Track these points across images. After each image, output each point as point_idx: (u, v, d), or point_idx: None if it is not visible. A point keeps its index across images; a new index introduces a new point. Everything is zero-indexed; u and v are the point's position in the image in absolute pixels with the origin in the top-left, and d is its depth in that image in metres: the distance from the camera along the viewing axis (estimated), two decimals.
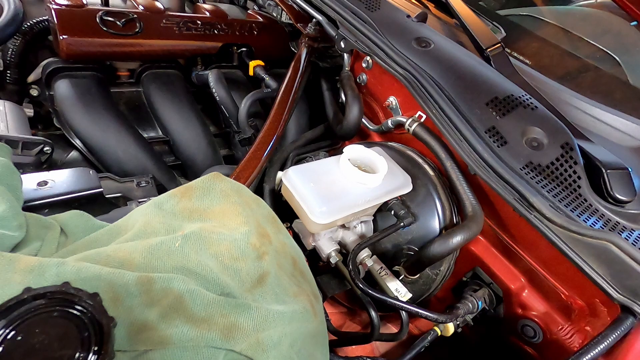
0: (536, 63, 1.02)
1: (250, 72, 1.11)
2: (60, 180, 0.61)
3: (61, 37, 0.86)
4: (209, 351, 0.35)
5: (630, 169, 0.71)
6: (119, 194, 0.68)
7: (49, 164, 0.82)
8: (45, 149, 0.78)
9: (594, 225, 0.64)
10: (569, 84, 0.94)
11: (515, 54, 1.04)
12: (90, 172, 0.64)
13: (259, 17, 1.22)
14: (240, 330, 0.38)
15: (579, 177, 0.68)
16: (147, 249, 0.41)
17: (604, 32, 1.10)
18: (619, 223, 0.66)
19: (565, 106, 0.88)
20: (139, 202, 0.65)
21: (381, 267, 0.69)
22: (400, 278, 0.72)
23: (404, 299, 0.65)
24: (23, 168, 0.75)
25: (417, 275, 0.74)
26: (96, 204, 0.64)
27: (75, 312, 0.31)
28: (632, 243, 0.63)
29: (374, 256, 0.71)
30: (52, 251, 0.47)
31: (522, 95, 0.78)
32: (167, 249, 0.41)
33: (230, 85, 1.09)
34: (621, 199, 0.68)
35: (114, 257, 0.40)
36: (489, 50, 0.93)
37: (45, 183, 0.59)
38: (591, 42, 1.04)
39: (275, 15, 1.29)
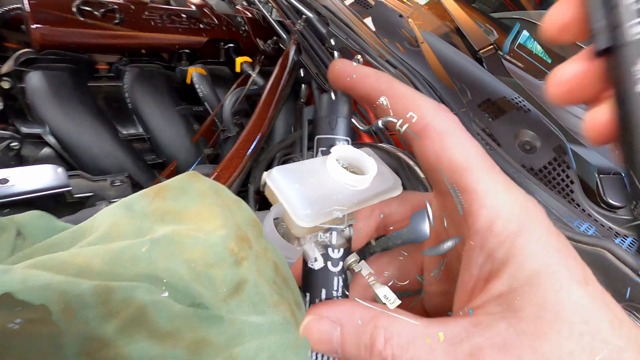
0: (528, 66, 1.01)
1: (237, 69, 1.08)
2: (24, 178, 0.56)
3: (33, 26, 0.81)
4: None
5: (623, 174, 0.70)
6: (91, 194, 0.64)
7: (18, 161, 0.77)
8: (12, 144, 0.73)
9: (588, 231, 0.62)
10: None
11: (508, 57, 1.03)
12: (59, 169, 0.60)
13: (248, 13, 1.18)
14: (211, 346, 0.34)
15: (572, 182, 0.67)
16: (110, 254, 0.37)
17: None
18: (612, 229, 0.65)
19: (557, 110, 0.86)
20: (111, 202, 0.60)
21: (369, 273, 0.66)
22: (390, 284, 0.69)
23: (393, 306, 0.62)
24: None
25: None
26: (64, 204, 0.60)
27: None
28: (626, 249, 0.62)
29: (362, 261, 0.68)
30: (6, 255, 0.42)
31: (515, 98, 0.77)
32: (133, 254, 0.37)
33: (216, 81, 1.05)
34: (614, 205, 0.67)
35: (71, 263, 0.35)
36: (481, 51, 0.92)
37: (5, 181, 0.54)
38: (583, 46, 1.03)
39: (265, 11, 1.25)
